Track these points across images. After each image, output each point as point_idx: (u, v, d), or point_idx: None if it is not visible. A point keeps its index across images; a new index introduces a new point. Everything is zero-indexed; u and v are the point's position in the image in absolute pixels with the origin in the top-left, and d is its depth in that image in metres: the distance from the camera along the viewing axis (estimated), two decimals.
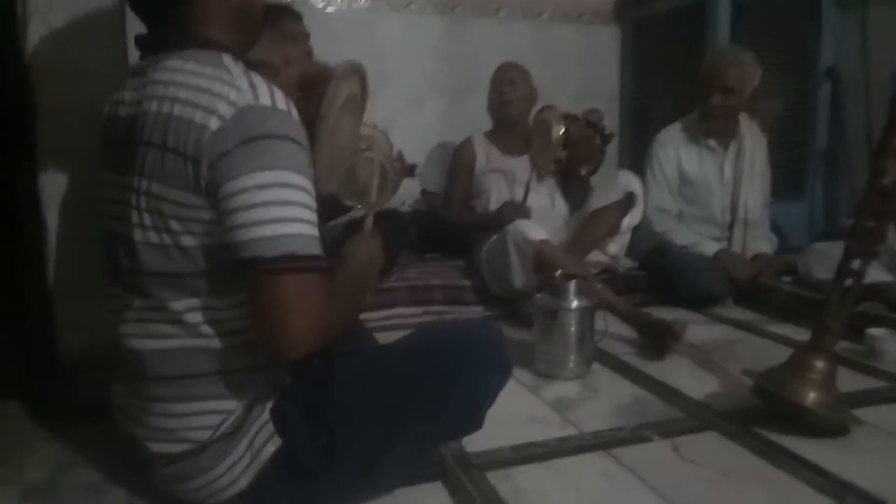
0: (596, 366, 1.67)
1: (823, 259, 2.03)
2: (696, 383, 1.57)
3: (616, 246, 2.25)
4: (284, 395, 0.93)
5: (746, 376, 1.42)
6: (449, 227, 2.47)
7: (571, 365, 1.59)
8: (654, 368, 1.67)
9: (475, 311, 2.13)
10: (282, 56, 1.61)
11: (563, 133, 2.20)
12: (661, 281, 2.27)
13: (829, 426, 1.28)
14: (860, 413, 1.37)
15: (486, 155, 2.47)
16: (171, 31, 0.90)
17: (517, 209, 2.16)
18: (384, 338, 1.33)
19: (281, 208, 0.80)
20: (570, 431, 1.33)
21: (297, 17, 1.84)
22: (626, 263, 2.37)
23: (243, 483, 0.93)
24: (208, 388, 0.90)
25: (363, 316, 1.58)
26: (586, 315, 1.59)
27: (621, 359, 1.75)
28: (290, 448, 0.92)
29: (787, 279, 2.31)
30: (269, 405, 0.92)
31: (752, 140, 2.42)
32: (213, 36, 0.90)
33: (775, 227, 2.59)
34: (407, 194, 2.59)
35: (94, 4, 1.31)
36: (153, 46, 0.91)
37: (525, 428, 1.33)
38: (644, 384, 1.58)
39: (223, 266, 0.85)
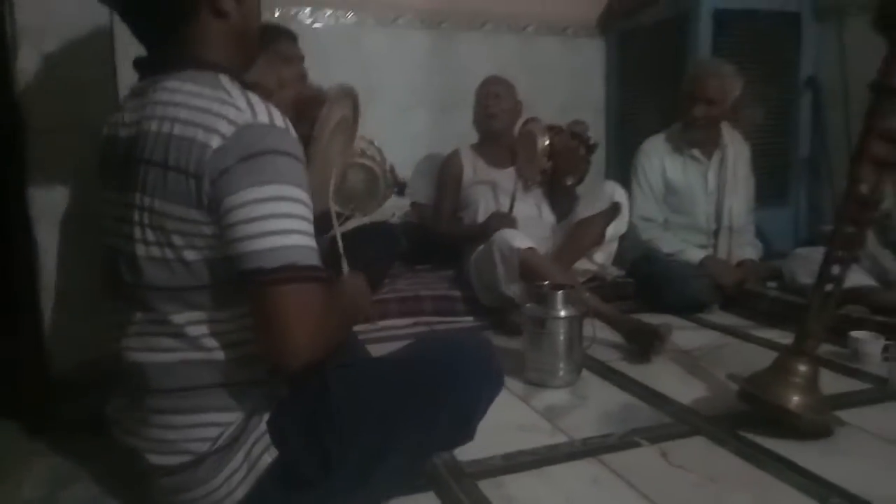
0: (585, 373, 1.69)
1: (807, 264, 2.06)
2: (683, 388, 1.59)
3: (603, 255, 2.28)
4: (281, 407, 0.95)
5: (732, 381, 1.44)
6: (438, 238, 2.50)
7: (561, 373, 1.61)
8: (642, 374, 1.69)
9: (465, 322, 2.14)
10: (276, 78, 1.65)
11: (548, 144, 2.24)
12: (649, 288, 2.30)
13: (813, 428, 1.31)
14: (844, 415, 1.40)
15: (472, 167, 2.50)
16: (170, 53, 0.92)
17: (504, 219, 2.19)
18: (376, 349, 1.34)
19: (281, 221, 0.82)
20: (561, 439, 1.35)
21: (293, 39, 1.87)
22: (614, 271, 2.40)
23: (240, 494, 0.94)
24: (208, 401, 0.91)
25: (355, 328, 1.60)
26: (574, 323, 1.62)
27: (610, 366, 1.77)
28: (287, 459, 0.94)
29: (772, 284, 2.35)
30: (267, 417, 0.94)
31: (735, 149, 2.47)
32: (210, 57, 0.92)
33: (760, 233, 2.63)
34: (396, 206, 2.61)
35: (84, 26, 1.33)
36: (152, 68, 0.93)
37: (516, 436, 1.34)
38: (632, 390, 1.60)
39: (225, 279, 0.87)
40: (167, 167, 0.84)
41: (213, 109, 0.84)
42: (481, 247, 2.13)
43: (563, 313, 1.60)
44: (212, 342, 0.90)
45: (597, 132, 2.83)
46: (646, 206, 2.45)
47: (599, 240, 2.22)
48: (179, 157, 0.83)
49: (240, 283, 0.84)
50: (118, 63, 1.37)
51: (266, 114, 0.85)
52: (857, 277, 1.98)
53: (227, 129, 0.82)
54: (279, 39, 1.78)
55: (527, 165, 2.32)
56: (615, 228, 2.22)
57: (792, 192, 3.04)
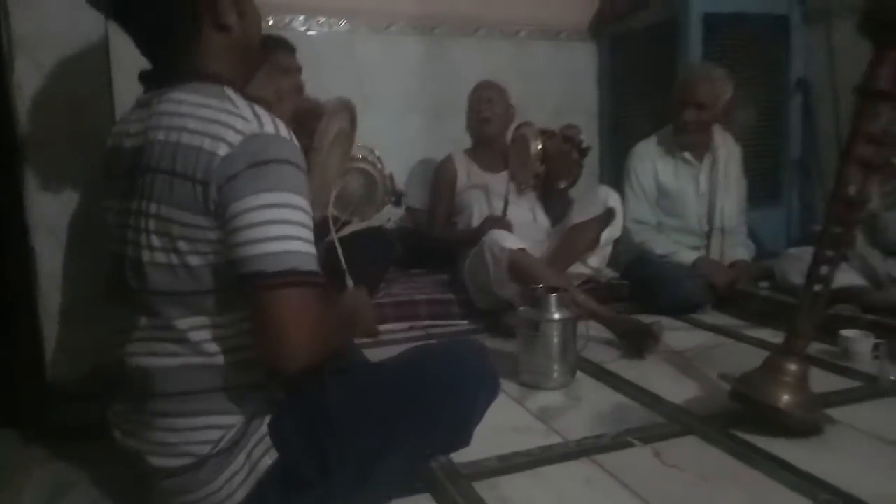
0: (579, 375, 1.70)
1: (797, 264, 2.08)
2: (676, 389, 1.61)
3: (597, 259, 2.30)
4: (281, 410, 0.96)
5: (724, 381, 1.46)
6: (433, 243, 2.52)
7: (555, 375, 1.63)
8: (635, 375, 1.71)
9: (460, 325, 2.16)
10: (275, 90, 1.68)
11: (541, 148, 2.26)
12: (643, 290, 2.32)
13: (803, 426, 1.33)
14: (834, 412, 1.42)
15: (466, 172, 2.52)
16: (174, 66, 0.95)
17: (498, 223, 2.21)
18: (372, 353, 1.36)
19: (282, 227, 0.85)
20: (555, 440, 1.36)
21: (291, 51, 1.90)
22: (609, 274, 2.42)
23: (241, 495, 0.95)
24: (210, 404, 0.93)
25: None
26: (568, 326, 1.63)
27: (604, 367, 1.79)
28: (287, 461, 0.95)
29: (764, 285, 2.37)
30: (267, 420, 0.96)
31: (726, 151, 2.49)
32: (213, 70, 0.95)
33: (753, 234, 2.66)
34: (392, 212, 2.63)
35: (79, 39, 1.35)
36: (157, 81, 0.96)
37: (511, 438, 1.35)
38: (626, 391, 1.62)
39: (227, 285, 0.89)
40: (174, 174, 0.86)
41: (220, 119, 0.87)
42: (475, 249, 2.15)
43: (556, 316, 1.62)
44: (213, 347, 0.92)
45: (590, 136, 2.86)
46: (638, 208, 2.47)
47: (593, 245, 2.24)
48: (187, 164, 0.86)
49: (240, 287, 0.86)
50: (114, 75, 1.38)
51: (271, 124, 0.88)
52: (848, 277, 2.00)
53: (233, 138, 0.85)
54: (277, 51, 1.81)
55: (520, 169, 2.34)
56: (609, 233, 2.24)
57: (784, 192, 3.07)
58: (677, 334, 2.06)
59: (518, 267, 1.92)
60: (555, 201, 2.42)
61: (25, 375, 1.42)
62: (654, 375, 1.72)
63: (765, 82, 3.01)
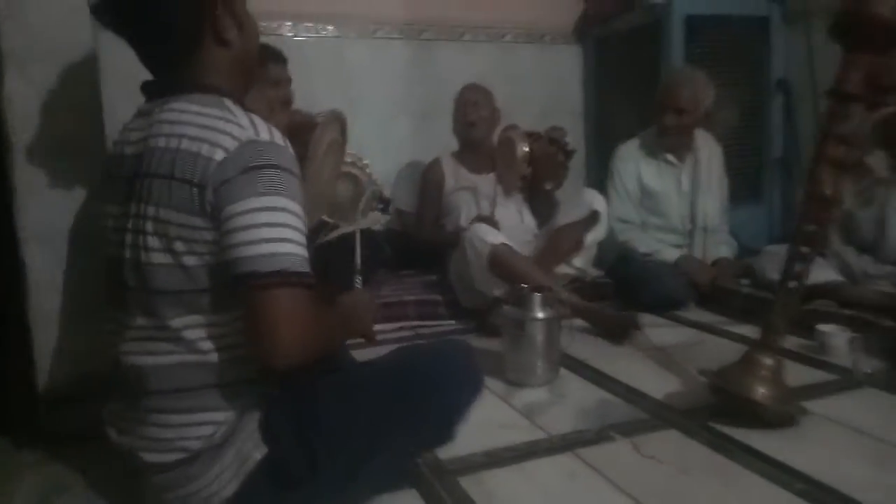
0: (563, 372, 1.74)
1: (776, 261, 2.12)
2: (658, 384, 1.65)
3: (582, 259, 2.35)
4: (272, 407, 1.00)
5: (704, 376, 1.50)
6: (421, 244, 2.55)
7: (539, 372, 1.66)
8: (618, 371, 1.75)
9: (448, 325, 2.19)
10: (266, 103, 1.72)
11: (527, 151, 2.30)
12: (627, 288, 2.36)
13: (778, 418, 1.37)
14: (811, 405, 1.47)
15: (454, 174, 2.55)
16: (176, 77, 1.00)
17: (486, 222, 2.24)
18: (361, 354, 1.39)
19: (275, 229, 0.89)
20: (539, 435, 1.40)
21: (282, 62, 1.94)
22: (593, 273, 2.46)
23: (231, 490, 0.98)
24: (203, 401, 0.96)
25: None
26: (552, 324, 1.67)
27: (588, 364, 1.83)
28: (276, 457, 0.98)
29: (745, 282, 2.42)
30: (258, 416, 0.99)
31: (708, 151, 2.55)
32: (213, 82, 1.00)
33: (735, 232, 2.70)
34: (380, 217, 2.66)
35: (70, 50, 1.36)
36: (159, 91, 1.00)
37: (496, 434, 1.39)
38: (609, 387, 1.66)
39: (221, 284, 0.92)
40: (173, 178, 0.91)
41: (218, 127, 0.91)
42: (459, 246, 2.19)
43: (540, 315, 1.65)
44: (207, 345, 0.95)
45: (575, 137, 2.90)
46: (622, 208, 2.52)
47: (579, 246, 2.29)
48: (185, 169, 0.90)
49: (234, 287, 0.89)
50: (103, 85, 1.41)
51: (267, 132, 0.93)
52: (825, 274, 2.05)
53: (230, 144, 0.89)
54: (268, 62, 1.84)
55: (507, 172, 2.38)
56: (594, 235, 2.30)
57: (765, 191, 3.12)
58: (660, 331, 2.11)
59: (499, 261, 1.97)
60: (541, 203, 2.45)
61: (16, 381, 1.44)
62: (637, 371, 1.76)
63: (746, 83, 3.06)
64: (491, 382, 1.65)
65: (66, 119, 1.36)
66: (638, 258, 2.42)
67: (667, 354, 1.89)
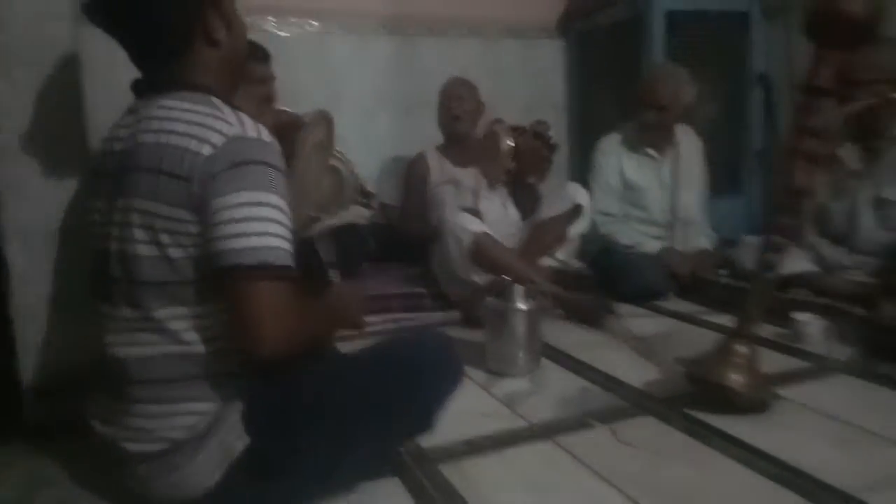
0: (544, 361, 1.77)
1: (753, 251, 2.17)
2: (637, 373, 1.68)
3: (565, 252, 2.38)
4: (255, 398, 1.01)
5: (681, 364, 1.54)
6: (406, 238, 2.56)
7: (521, 362, 1.69)
8: (598, 361, 1.78)
9: (433, 317, 2.21)
10: (252, 101, 1.74)
11: (512, 145, 2.33)
12: (609, 279, 2.39)
13: (751, 404, 1.40)
14: (785, 391, 1.51)
15: (438, 168, 2.57)
16: (167, 77, 1.02)
17: (470, 214, 2.26)
18: (346, 346, 1.41)
19: (261, 224, 0.91)
20: (519, 423, 1.42)
21: (265, 59, 1.94)
22: (576, 265, 2.49)
23: (213, 480, 1.00)
24: (187, 391, 0.98)
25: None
26: (533, 315, 1.70)
27: (569, 353, 1.85)
28: (258, 447, 1.00)
29: (724, 272, 2.47)
30: (241, 407, 1.00)
31: (688, 145, 2.59)
32: (202, 81, 1.02)
33: (715, 223, 2.74)
34: (363, 212, 2.68)
35: (50, 52, 1.37)
36: (149, 90, 1.03)
37: (477, 422, 1.41)
38: (588, 376, 1.69)
39: (207, 276, 0.94)
40: (160, 172, 0.93)
41: (206, 123, 0.94)
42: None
43: (522, 306, 1.68)
44: (191, 336, 0.97)
45: (557, 131, 2.93)
46: (604, 201, 2.55)
47: (562, 240, 2.33)
48: (173, 163, 0.92)
49: (218, 279, 0.91)
50: (85, 85, 1.41)
51: (254, 128, 0.96)
52: (801, 264, 2.10)
53: (218, 140, 0.92)
54: (251, 60, 1.85)
55: (491, 166, 2.40)
56: (577, 228, 2.33)
57: (745, 183, 3.17)
58: (640, 321, 2.15)
59: (480, 250, 2.00)
60: (524, 196, 2.48)
61: (0, 377, 1.45)
62: (616, 360, 1.79)
63: (727, 77, 3.10)
64: (473, 372, 1.68)
65: (47, 118, 1.37)
66: (619, 250, 2.46)
67: (646, 344, 1.92)
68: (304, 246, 1.63)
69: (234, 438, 0.99)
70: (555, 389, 1.61)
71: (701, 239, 2.59)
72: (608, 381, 1.64)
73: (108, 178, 1.01)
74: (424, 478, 1.20)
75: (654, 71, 2.58)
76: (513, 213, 2.49)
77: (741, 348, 1.42)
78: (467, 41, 3.19)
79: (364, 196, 2.17)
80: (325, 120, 1.77)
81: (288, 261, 0.93)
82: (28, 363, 1.41)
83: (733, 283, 2.31)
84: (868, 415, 1.40)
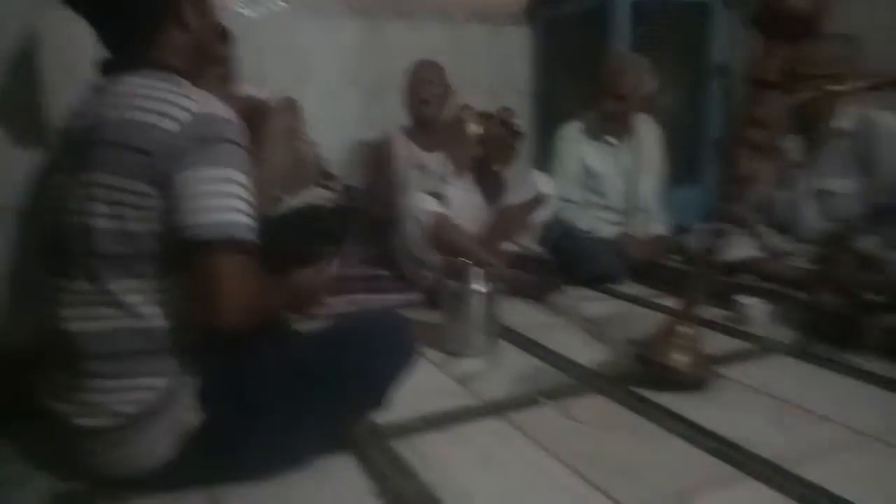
0: (501, 342, 1.81)
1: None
2: (588, 353, 1.74)
3: (527, 238, 2.43)
4: (209, 374, 1.04)
5: (630, 345, 1.60)
6: (370, 220, 2.58)
7: (477, 343, 1.73)
8: (552, 342, 1.84)
9: (395, 299, 2.24)
10: (213, 84, 1.73)
11: (479, 132, 2.35)
12: (567, 263, 2.45)
13: (693, 383, 1.47)
14: (727, 370, 1.58)
15: (405, 151, 2.58)
16: (133, 56, 1.03)
17: (435, 199, 2.29)
18: (303, 326, 1.43)
19: (224, 199, 0.94)
20: (473, 401, 1.47)
21: (225, 39, 1.92)
22: (537, 249, 2.54)
23: (166, 454, 1.02)
24: (142, 366, 1.00)
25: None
26: (490, 297, 1.74)
27: (524, 335, 1.91)
28: (211, 422, 1.03)
29: (677, 258, 2.55)
30: (195, 382, 1.03)
31: (647, 134, 2.65)
32: (170, 63, 1.04)
33: (673, 211, 2.82)
34: (327, 194, 2.68)
35: (7, 33, 1.35)
36: (115, 68, 1.03)
37: (432, 400, 1.45)
38: (542, 356, 1.74)
39: (165, 250, 0.96)
40: (124, 147, 0.94)
41: (171, 99, 0.96)
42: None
43: (479, 288, 1.72)
44: (147, 310, 0.99)
45: (522, 117, 2.96)
46: (564, 187, 2.60)
47: (525, 226, 2.37)
48: (135, 137, 0.94)
49: (181, 252, 0.94)
50: (44, 69, 1.38)
51: (217, 106, 0.99)
52: (747, 250, 2.19)
53: (183, 116, 0.94)
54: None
55: (457, 152, 2.43)
56: (539, 215, 2.39)
57: (702, 171, 3.25)
58: (595, 304, 2.22)
59: (438, 232, 2.04)
60: (489, 183, 2.51)
61: None
62: (570, 341, 1.85)
63: (688, 66, 3.17)
64: (430, 353, 1.72)
65: (2, 96, 1.34)
66: (578, 235, 2.52)
67: (599, 325, 1.99)
68: (268, 226, 1.64)
69: (188, 413, 1.02)
70: (509, 369, 1.66)
71: (657, 225, 2.66)
72: (560, 361, 1.70)
73: (71, 153, 1.01)
74: (378, 453, 1.23)
75: (614, 60, 2.62)
76: (477, 199, 2.52)
77: (685, 330, 1.49)
78: (434, 25, 3.19)
79: (328, 178, 2.18)
80: (291, 106, 1.79)
81: (251, 235, 0.97)
82: None
83: (684, 268, 2.39)
84: (803, 393, 1.48)
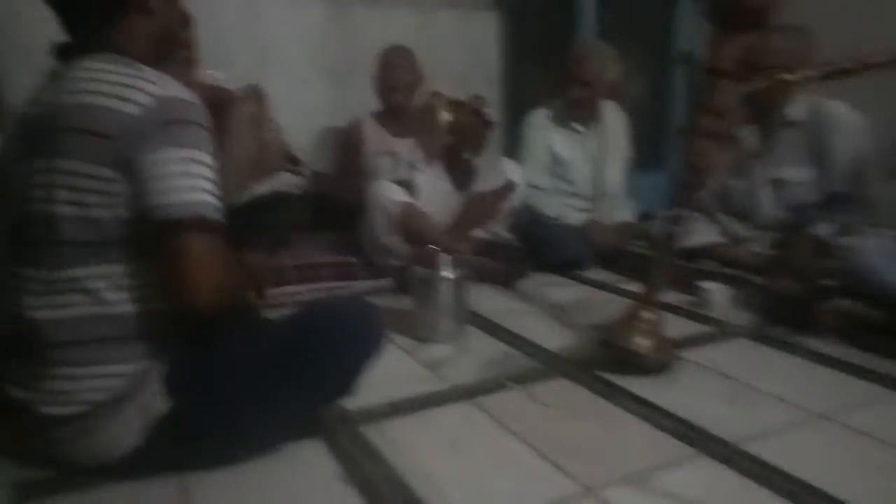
0: (469, 328, 1.84)
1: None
2: (555, 338, 1.78)
3: (497, 225, 2.45)
4: (176, 361, 1.04)
5: (594, 329, 1.64)
6: (339, 206, 2.57)
7: (446, 329, 1.75)
8: (520, 327, 1.87)
9: (363, 286, 2.25)
10: (176, 69, 1.71)
11: (450, 120, 2.36)
12: (535, 250, 2.48)
13: (654, 366, 1.52)
14: (688, 353, 1.64)
15: (375, 137, 2.57)
16: (94, 40, 1.02)
17: (405, 186, 2.30)
18: (271, 313, 1.43)
19: (190, 179, 0.95)
20: (441, 386, 1.49)
21: (187, 23, 1.89)
22: (505, 236, 2.57)
23: (133, 442, 1.02)
24: (108, 353, 0.99)
25: None
26: (459, 284, 1.76)
27: (492, 320, 1.94)
28: (178, 409, 1.03)
29: (643, 244, 2.60)
30: (162, 369, 1.03)
31: (613, 121, 2.69)
32: (132, 47, 1.03)
33: (639, 198, 2.88)
34: (293, 180, 2.66)
35: None
36: (74, 53, 1.02)
37: (401, 385, 1.47)
38: (510, 341, 1.77)
39: (130, 235, 0.97)
40: (85, 132, 0.94)
41: (131, 83, 0.95)
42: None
43: (447, 274, 1.74)
44: (113, 296, 0.99)
45: (492, 104, 2.97)
46: (532, 174, 2.63)
47: (494, 214, 2.39)
48: (99, 122, 0.93)
49: (150, 233, 0.94)
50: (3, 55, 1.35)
51: (179, 89, 0.98)
52: (708, 236, 2.25)
53: (145, 100, 0.94)
54: None
55: (428, 139, 2.43)
56: (509, 203, 2.41)
57: (667, 158, 3.32)
58: (562, 290, 2.26)
59: (404, 220, 2.05)
60: (459, 170, 2.52)
61: None
62: (537, 327, 1.89)
63: (654, 54, 3.22)
64: (400, 339, 1.74)
65: None
66: (546, 222, 2.55)
67: (565, 311, 2.03)
68: (233, 214, 1.63)
69: (155, 400, 1.02)
70: (477, 354, 1.69)
71: (623, 212, 2.71)
72: (527, 346, 1.73)
73: (30, 140, 1.00)
74: (347, 439, 1.24)
75: (580, 47, 2.66)
76: (448, 186, 2.53)
77: (646, 314, 1.53)
78: (403, 10, 3.17)
79: (294, 164, 2.16)
80: (256, 94, 1.76)
81: (216, 214, 0.98)
82: None
83: (649, 254, 2.44)
84: (759, 374, 1.54)
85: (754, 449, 1.20)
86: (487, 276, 2.25)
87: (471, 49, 3.35)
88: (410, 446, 1.23)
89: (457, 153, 2.44)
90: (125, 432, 1.01)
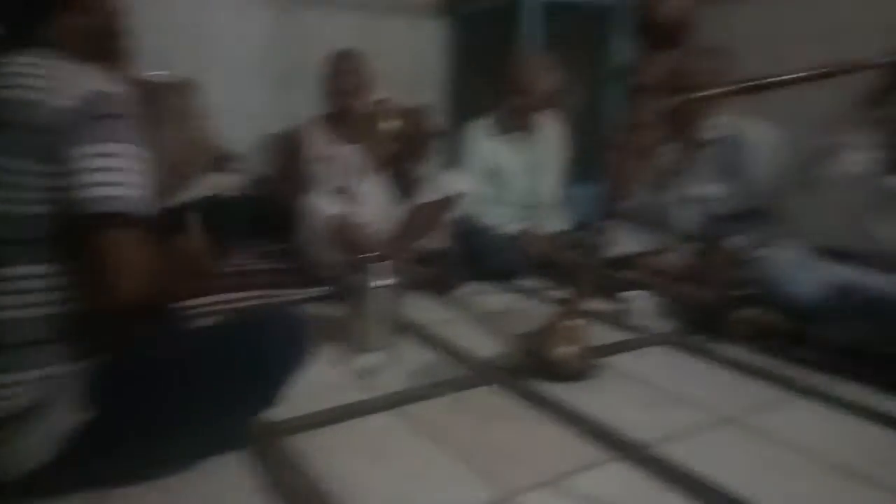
0: (402, 337, 1.86)
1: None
2: (485, 346, 1.83)
3: (438, 236, 2.48)
4: (94, 369, 1.02)
5: (521, 338, 1.69)
6: (279, 212, 2.56)
7: (378, 338, 1.77)
8: (452, 335, 1.91)
9: (301, 294, 2.24)
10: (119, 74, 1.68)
11: (395, 128, 2.38)
12: (471, 259, 2.53)
13: (576, 373, 1.59)
14: (610, 360, 1.71)
15: (319, 142, 2.57)
16: (30, 36, 1.01)
17: (347, 194, 2.31)
18: (198, 324, 1.42)
19: (115, 174, 0.94)
20: (368, 395, 1.51)
21: (121, 19, 1.85)
22: (443, 245, 2.60)
23: (48, 453, 1.00)
24: (19, 359, 0.97)
25: (188, 302, 1.65)
26: (391, 292, 1.79)
27: (425, 329, 1.97)
28: (97, 419, 1.01)
29: (576, 253, 2.68)
30: (78, 378, 1.01)
31: (551, 132, 2.77)
32: (64, 42, 1.02)
33: (574, 207, 2.96)
34: (234, 183, 2.63)
35: None
36: (5, 47, 1.01)
37: (328, 395, 1.48)
38: (441, 349, 1.81)
39: (57, 232, 0.96)
40: (15, 127, 0.93)
41: (62, 77, 0.95)
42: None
43: (379, 283, 1.76)
44: (35, 298, 0.97)
45: (437, 111, 3.01)
46: (470, 183, 2.67)
47: (437, 224, 2.42)
48: (29, 116, 0.93)
49: (76, 228, 0.93)
50: None
51: (109, 84, 0.98)
52: (633, 246, 2.34)
53: (73, 93, 0.94)
54: None
55: (374, 147, 2.44)
56: (452, 213, 2.44)
57: (602, 169, 3.41)
58: (496, 298, 2.32)
59: (338, 232, 2.08)
60: (403, 179, 2.54)
61: None
62: (470, 334, 1.93)
63: (593, 67, 3.32)
64: (331, 348, 1.75)
65: None
66: (482, 231, 2.60)
67: (496, 319, 2.08)
68: (167, 214, 1.61)
69: (71, 411, 1.00)
70: (408, 363, 1.71)
71: (558, 222, 2.79)
72: (458, 354, 1.78)
73: None
74: (270, 450, 1.24)
75: (518, 58, 2.73)
76: (390, 195, 2.55)
77: (570, 323, 1.60)
78: (350, 15, 3.17)
79: (231, 165, 2.15)
80: (188, 86, 1.74)
81: (142, 209, 0.97)
82: None
83: (582, 263, 2.52)
84: (676, 380, 1.63)
85: (666, 451, 1.27)
86: (423, 284, 2.28)
87: (417, 56, 3.38)
88: (334, 457, 1.24)
89: (402, 161, 2.46)
90: (39, 444, 0.99)
